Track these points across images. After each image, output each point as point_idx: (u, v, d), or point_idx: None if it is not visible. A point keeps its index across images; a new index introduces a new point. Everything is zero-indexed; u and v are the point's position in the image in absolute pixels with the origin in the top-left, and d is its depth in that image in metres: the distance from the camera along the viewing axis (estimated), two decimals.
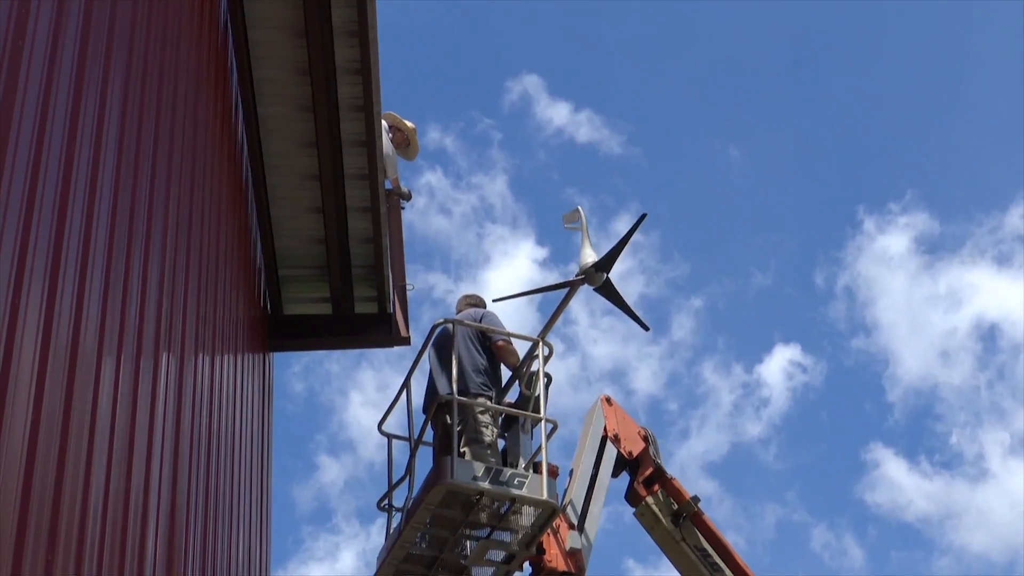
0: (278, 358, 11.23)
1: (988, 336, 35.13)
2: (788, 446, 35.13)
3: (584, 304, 36.60)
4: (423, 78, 34.91)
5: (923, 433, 35.42)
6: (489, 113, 38.39)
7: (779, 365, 34.62)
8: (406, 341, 10.79)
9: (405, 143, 11.31)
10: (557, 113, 36.01)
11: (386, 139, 10.57)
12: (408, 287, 10.79)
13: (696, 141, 37.08)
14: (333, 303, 10.76)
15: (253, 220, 9.64)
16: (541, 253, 34.81)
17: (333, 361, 36.84)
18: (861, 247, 35.30)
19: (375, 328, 10.84)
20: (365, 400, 36.63)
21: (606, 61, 36.19)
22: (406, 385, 9.17)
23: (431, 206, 34.23)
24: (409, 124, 11.30)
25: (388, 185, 10.59)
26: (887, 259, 34.84)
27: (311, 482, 35.21)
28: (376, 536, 33.87)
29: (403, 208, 10.95)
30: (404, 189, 11.06)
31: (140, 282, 5.39)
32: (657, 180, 35.93)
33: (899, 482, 33.80)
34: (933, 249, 35.45)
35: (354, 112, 9.09)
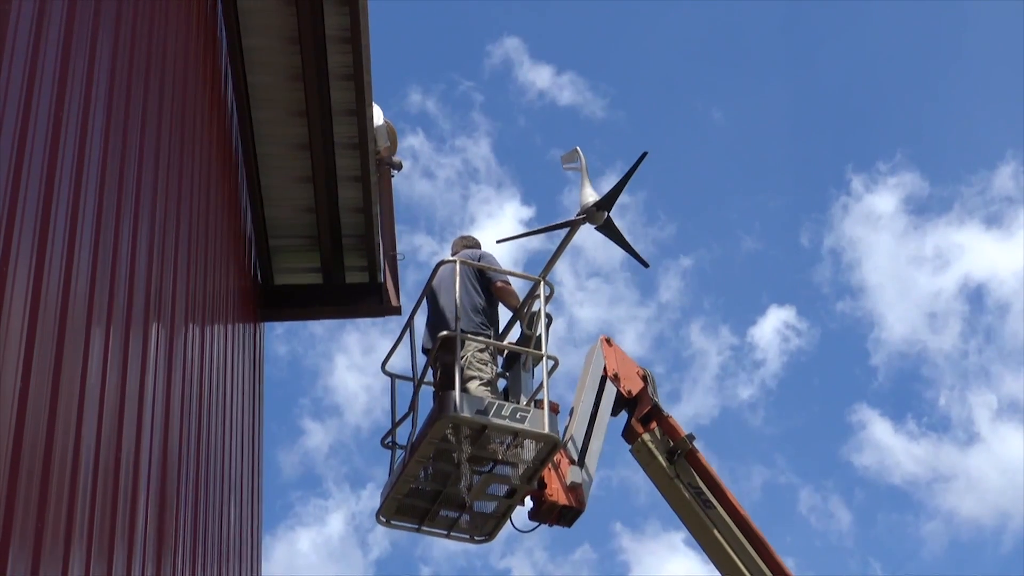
0: None
1: (975, 297, 35.21)
2: (777, 408, 35.25)
3: (569, 266, 36.59)
4: (403, 41, 34.79)
5: (910, 396, 35.53)
6: (470, 76, 38.30)
7: (773, 327, 34.64)
8: (397, 311, 10.80)
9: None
10: (539, 76, 35.92)
11: (377, 111, 10.53)
12: (398, 257, 10.79)
13: (679, 103, 37.03)
14: (324, 273, 10.75)
15: (243, 190, 9.61)
16: (527, 213, 34.83)
17: (317, 324, 36.73)
18: (849, 208, 35.29)
19: (366, 298, 10.85)
20: (351, 364, 36.64)
21: (588, 24, 36.07)
22: (409, 325, 9.22)
23: (414, 169, 34.22)
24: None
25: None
26: (875, 219, 34.84)
27: (296, 447, 35.30)
28: (367, 501, 33.98)
29: (392, 176, 10.92)
30: (396, 159, 11.03)
31: (129, 252, 5.37)
32: (640, 142, 35.95)
33: (887, 444, 33.92)
34: (921, 210, 35.46)
35: (344, 81, 9.06)
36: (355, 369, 36.46)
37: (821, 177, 36.88)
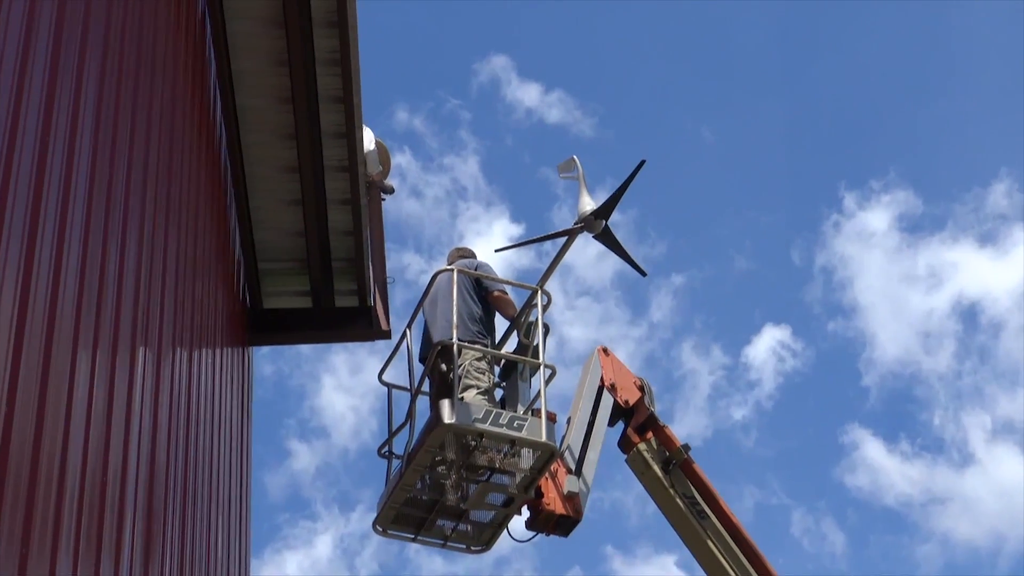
0: None
1: (968, 316, 35.17)
2: (770, 429, 35.16)
3: (559, 285, 36.60)
4: (390, 59, 34.83)
5: (903, 416, 35.45)
6: (457, 94, 38.32)
7: (767, 347, 34.55)
8: (387, 335, 10.76)
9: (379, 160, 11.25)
10: (527, 94, 35.95)
11: (368, 133, 10.52)
12: (388, 280, 10.77)
13: (668, 121, 37.10)
14: (313, 297, 10.72)
15: (232, 213, 9.58)
16: (516, 230, 34.85)
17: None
18: (841, 226, 35.28)
19: (355, 321, 10.82)
20: (338, 384, 36.51)
21: (576, 42, 36.15)
22: (406, 334, 9.23)
23: (402, 188, 34.20)
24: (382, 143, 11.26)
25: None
26: (867, 237, 34.82)
27: (282, 469, 35.14)
28: (355, 523, 33.88)
29: (383, 200, 10.90)
30: (387, 184, 11.02)
31: (116, 275, 5.33)
32: (630, 161, 35.58)
33: (880, 465, 33.81)
34: (914, 228, 35.48)
35: (334, 103, 9.04)
36: (342, 390, 36.38)
37: (813, 195, 36.99)
